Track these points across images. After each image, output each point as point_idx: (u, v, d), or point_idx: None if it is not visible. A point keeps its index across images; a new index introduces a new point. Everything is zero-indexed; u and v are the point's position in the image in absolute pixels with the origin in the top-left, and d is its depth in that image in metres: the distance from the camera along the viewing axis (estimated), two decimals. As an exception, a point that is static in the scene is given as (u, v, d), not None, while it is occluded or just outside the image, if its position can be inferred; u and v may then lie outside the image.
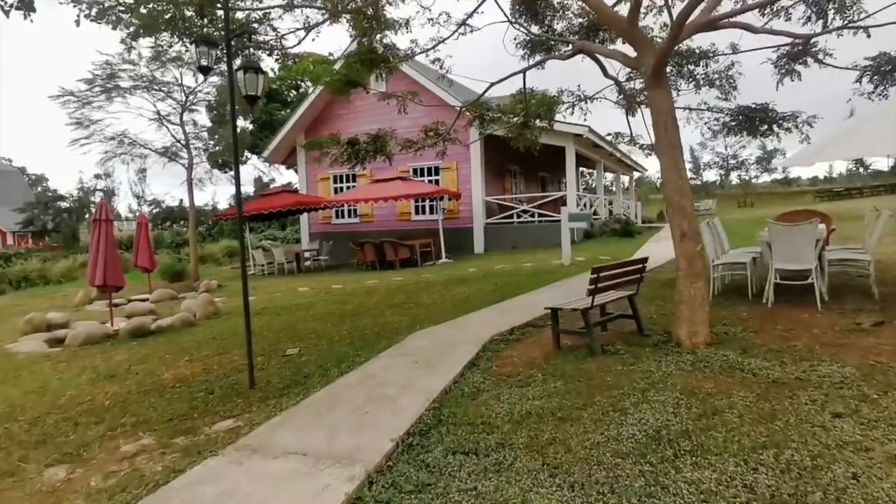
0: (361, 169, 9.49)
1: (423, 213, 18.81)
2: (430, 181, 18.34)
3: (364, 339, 6.24)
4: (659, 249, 12.74)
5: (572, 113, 8.87)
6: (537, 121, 9.01)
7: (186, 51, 13.22)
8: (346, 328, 7.01)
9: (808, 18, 6.80)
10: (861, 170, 69.00)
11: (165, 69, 14.65)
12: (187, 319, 8.13)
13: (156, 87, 15.15)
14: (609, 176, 27.85)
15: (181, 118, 15.62)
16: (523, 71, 7.62)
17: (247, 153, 37.78)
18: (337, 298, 9.69)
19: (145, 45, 12.83)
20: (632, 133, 8.76)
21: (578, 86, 8.60)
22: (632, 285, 5.54)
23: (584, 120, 8.52)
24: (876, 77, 7.56)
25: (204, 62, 4.68)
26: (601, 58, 6.45)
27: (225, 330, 7.66)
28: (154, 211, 54.57)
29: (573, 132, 15.86)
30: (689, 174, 66.13)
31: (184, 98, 15.46)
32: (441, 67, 8.13)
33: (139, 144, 16.23)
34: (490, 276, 10.91)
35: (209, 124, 20.91)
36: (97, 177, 52.99)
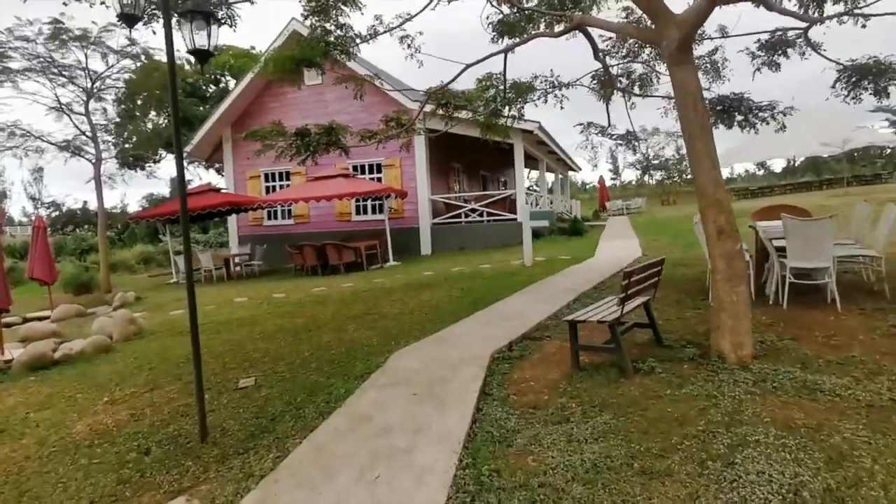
0: (312, 163, 8.34)
1: (365, 213, 17.69)
2: (371, 179, 17.25)
3: (333, 363, 5.20)
4: (618, 248, 12.40)
5: (545, 101, 8.18)
6: (507, 109, 8.24)
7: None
8: (306, 348, 5.92)
9: (806, 7, 6.47)
10: (760, 171, 74.57)
11: (67, 50, 12.66)
12: (102, 343, 6.68)
13: (56, 71, 13.09)
14: (548, 175, 27.88)
15: (86, 107, 13.61)
16: (505, 50, 6.83)
17: (161, 151, 34.87)
18: (284, 310, 8.49)
19: (43, 17, 10.94)
20: (609, 121, 8.19)
21: (551, 70, 7.91)
22: (648, 290, 4.87)
23: (562, 108, 7.87)
24: (852, 80, 7.42)
25: (127, 9, 3.49)
26: (598, 36, 5.77)
27: (153, 355, 6.32)
28: (54, 214, 49.42)
29: (523, 129, 15.33)
30: (609, 175, 68.83)
31: (89, 84, 13.47)
32: (409, 46, 7.16)
33: (34, 136, 14.00)
34: (451, 280, 10.06)
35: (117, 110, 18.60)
36: (-18, 177, 47.32)
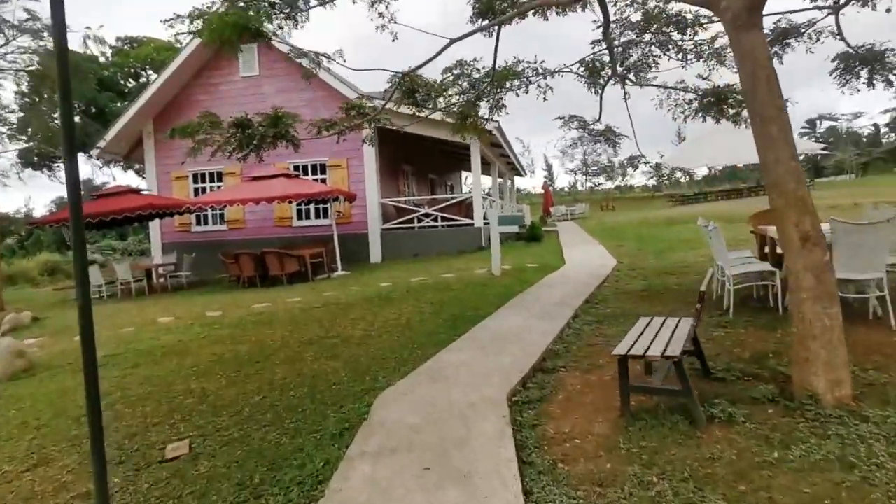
0: (257, 159, 7.01)
1: (308, 217, 16.22)
2: (315, 181, 15.81)
3: (296, 412, 3.96)
4: (587, 255, 11.70)
5: (527, 91, 7.23)
6: (484, 101, 7.24)
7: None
8: (255, 388, 4.63)
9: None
10: (685, 178, 78.10)
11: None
12: (-25, 387, 5.07)
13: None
14: (488, 180, 27.20)
15: (-28, 90, 11.41)
16: (499, 23, 5.80)
17: (93, 154, 31.90)
18: (221, 334, 7.06)
19: None
20: (600, 114, 7.37)
21: (535, 56, 6.98)
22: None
23: (544, 100, 6.96)
24: (846, 67, 6.98)
25: None
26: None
27: (44, 404, 4.80)
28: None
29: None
30: (546, 180, 69.67)
31: (-24, 63, 11.33)
32: (381, 16, 6.01)
33: None
34: (414, 292, 8.93)
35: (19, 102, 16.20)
36: None
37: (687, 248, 11.36)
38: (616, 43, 6.63)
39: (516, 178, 34.38)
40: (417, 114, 7.41)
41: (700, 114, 7.22)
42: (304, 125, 7.31)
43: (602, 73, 7.18)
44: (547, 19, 6.71)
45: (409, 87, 7.03)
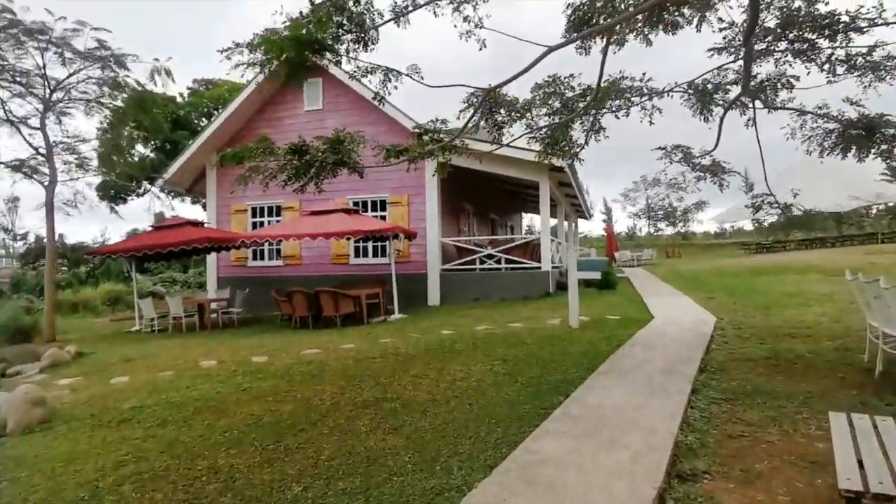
0: (316, 190, 6.27)
1: (366, 255, 15.53)
2: (376, 217, 15.17)
3: (346, 520, 2.92)
4: (676, 308, 10.27)
5: (627, 114, 6.19)
6: (575, 124, 6.24)
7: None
8: (296, 472, 3.63)
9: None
10: (752, 226, 73.80)
11: (23, 49, 10.62)
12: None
13: (9, 77, 11.03)
14: (554, 222, 25.99)
15: (42, 121, 11.50)
16: (609, 26, 4.86)
17: (145, 184, 33.06)
18: (264, 387, 6.17)
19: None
20: (718, 140, 6.22)
21: (643, 74, 5.95)
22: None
23: (651, 123, 5.91)
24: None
25: None
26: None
27: (42, 476, 3.96)
28: (26, 246, 46.76)
29: (552, 165, 13.42)
30: (601, 225, 67.25)
31: (47, 93, 11.40)
32: (466, 20, 5.20)
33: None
34: (482, 344, 7.83)
35: (89, 129, 16.51)
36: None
37: (796, 303, 9.77)
38: (741, 54, 5.52)
39: (580, 221, 33.02)
40: (497, 138, 6.46)
41: (839, 148, 5.94)
42: (368, 151, 6.54)
43: (717, 95, 6.06)
44: (650, 44, 5.72)
45: (490, 106, 6.14)
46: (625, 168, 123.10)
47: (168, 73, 12.47)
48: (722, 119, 6.11)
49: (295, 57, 5.34)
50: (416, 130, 6.41)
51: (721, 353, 6.27)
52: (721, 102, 6.24)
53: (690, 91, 6.23)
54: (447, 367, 6.53)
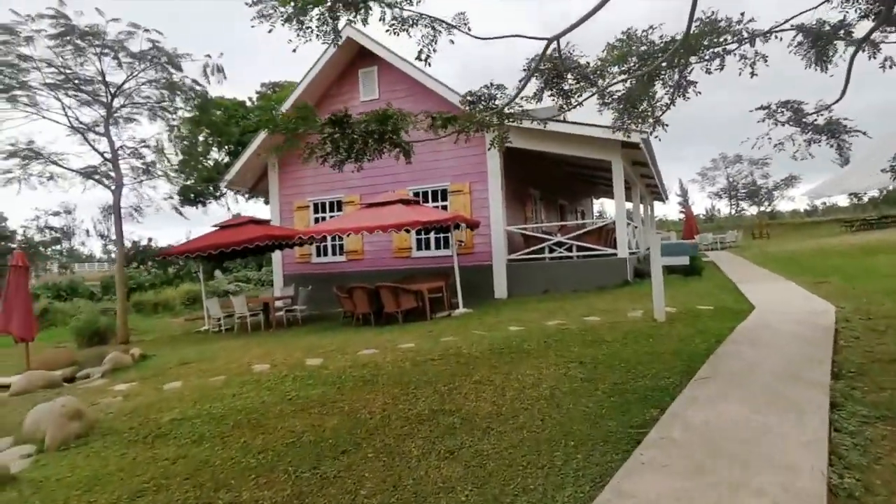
0: (356, 168, 5.63)
1: (427, 247, 14.91)
2: (436, 207, 14.50)
3: None
4: (778, 295, 8.89)
5: (721, 67, 5.09)
6: (657, 82, 5.21)
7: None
8: (329, 513, 2.97)
9: None
10: (850, 200, 66.77)
11: (84, 57, 10.70)
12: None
13: (75, 84, 11.18)
14: (629, 205, 24.23)
15: (106, 125, 11.62)
16: None
17: (223, 187, 34.24)
18: (312, 396, 5.61)
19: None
20: (845, 89, 5.01)
21: (741, 15, 4.83)
22: None
23: (751, 75, 4.81)
24: None
25: None
26: None
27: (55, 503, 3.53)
28: (131, 252, 49.99)
29: (625, 141, 12.20)
30: (678, 206, 63.15)
31: (109, 98, 11.50)
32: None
33: (48, 160, 12.06)
34: (554, 342, 6.95)
35: (156, 134, 16.82)
36: (55, 213, 48.44)
37: None
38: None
39: (655, 205, 30.94)
40: (564, 107, 5.55)
41: None
42: (421, 134, 5.83)
43: (840, 32, 4.84)
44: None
45: (554, 71, 5.23)
46: (692, 149, 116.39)
47: (220, 69, 12.32)
48: (851, 61, 4.87)
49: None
50: (469, 98, 5.58)
51: (856, 352, 5.06)
52: (844, 41, 4.99)
53: (804, 31, 5.03)
54: (515, 370, 5.72)
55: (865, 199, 63.49)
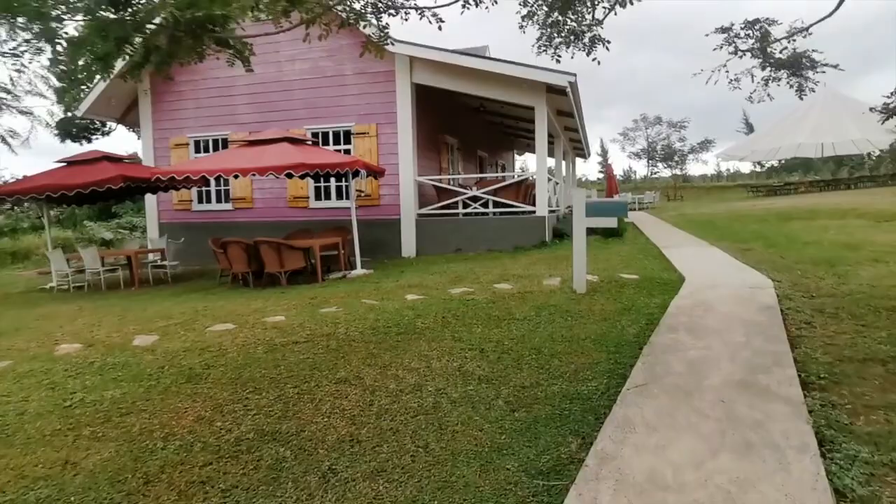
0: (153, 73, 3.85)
1: (328, 197, 13.11)
2: (338, 151, 12.66)
3: None
4: (707, 262, 8.05)
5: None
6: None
7: None
8: None
9: None
10: (756, 167, 70.48)
11: None
12: None
13: None
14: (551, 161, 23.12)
15: None
16: None
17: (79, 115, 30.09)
18: (103, 400, 3.94)
19: None
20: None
21: None
22: None
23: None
24: None
25: None
26: None
27: None
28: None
29: (550, 82, 10.87)
30: (597, 168, 64.01)
31: None
32: None
33: None
34: (454, 317, 5.64)
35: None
36: None
37: (866, 259, 7.57)
38: None
39: (577, 163, 30.38)
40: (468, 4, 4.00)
41: None
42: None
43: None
44: None
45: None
46: (613, 111, 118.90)
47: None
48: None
49: None
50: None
51: (816, 345, 4.07)
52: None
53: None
54: (397, 361, 4.33)
55: (767, 166, 67.21)
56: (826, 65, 4.61)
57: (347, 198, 12.64)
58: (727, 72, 4.59)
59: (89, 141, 43.86)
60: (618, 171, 66.70)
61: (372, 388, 3.81)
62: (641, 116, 52.42)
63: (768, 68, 4.60)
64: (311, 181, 12.83)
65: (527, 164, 44.45)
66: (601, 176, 54.37)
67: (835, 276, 6.58)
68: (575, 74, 10.56)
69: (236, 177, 8.79)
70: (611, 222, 6.89)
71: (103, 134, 37.40)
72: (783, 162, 59.96)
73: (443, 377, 3.95)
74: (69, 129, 42.50)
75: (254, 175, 8.79)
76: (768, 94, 4.79)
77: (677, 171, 60.60)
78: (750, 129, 59.79)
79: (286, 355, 4.72)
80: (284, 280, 9.22)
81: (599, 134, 77.38)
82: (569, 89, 10.80)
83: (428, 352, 4.56)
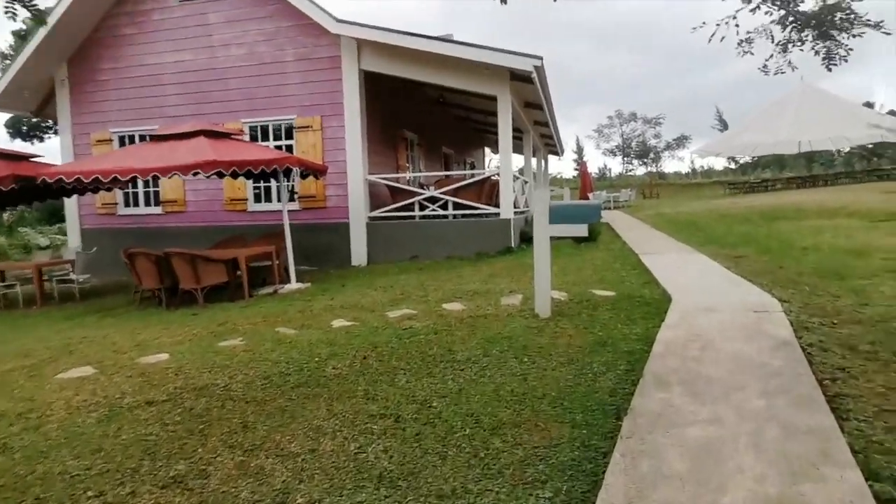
0: None
1: (269, 199, 11.66)
2: (279, 148, 11.24)
3: None
4: (693, 278, 6.83)
5: None
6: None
7: None
8: None
9: None
10: (731, 164, 70.50)
11: None
12: None
13: None
14: (520, 157, 21.81)
15: None
16: None
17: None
18: None
19: None
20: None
21: None
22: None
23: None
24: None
25: None
26: None
27: None
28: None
29: (513, 67, 9.59)
30: (572, 164, 63.19)
31: None
32: None
33: None
34: (376, 359, 4.33)
35: None
36: None
37: (881, 269, 6.42)
38: None
39: (551, 160, 29.24)
40: None
41: None
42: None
43: None
44: None
45: None
46: (587, 109, 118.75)
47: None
48: None
49: None
50: None
51: (869, 412, 2.83)
52: None
53: None
54: (272, 440, 3.00)
55: (741, 162, 67.25)
56: (868, 23, 3.41)
57: (292, 200, 11.25)
58: (737, 25, 3.37)
59: (41, 140, 41.33)
60: (593, 169, 66.10)
61: (211, 501, 2.47)
62: (616, 113, 51.69)
63: (790, 25, 3.38)
64: (250, 182, 11.38)
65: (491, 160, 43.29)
66: (577, 173, 53.57)
67: (851, 293, 5.41)
68: (541, 58, 9.30)
69: (183, 180, 7.30)
70: (580, 230, 5.62)
71: (56, 132, 35.23)
72: (755, 159, 60.03)
73: (326, 475, 2.62)
74: (19, 128, 40.00)
75: (156, 176, 7.30)
76: (789, 63, 3.59)
77: (653, 169, 60.12)
78: (724, 125, 59.57)
79: (122, 427, 3.34)
80: (201, 298, 7.77)
81: (574, 132, 76.34)
82: (534, 75, 9.53)
83: (323, 421, 3.23)
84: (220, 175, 7.91)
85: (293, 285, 8.46)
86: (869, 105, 46.54)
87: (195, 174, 7.51)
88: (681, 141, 45.44)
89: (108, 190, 10.67)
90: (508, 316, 5.40)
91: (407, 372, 3.99)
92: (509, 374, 3.80)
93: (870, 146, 46.30)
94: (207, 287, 7.87)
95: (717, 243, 9.51)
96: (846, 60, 3.55)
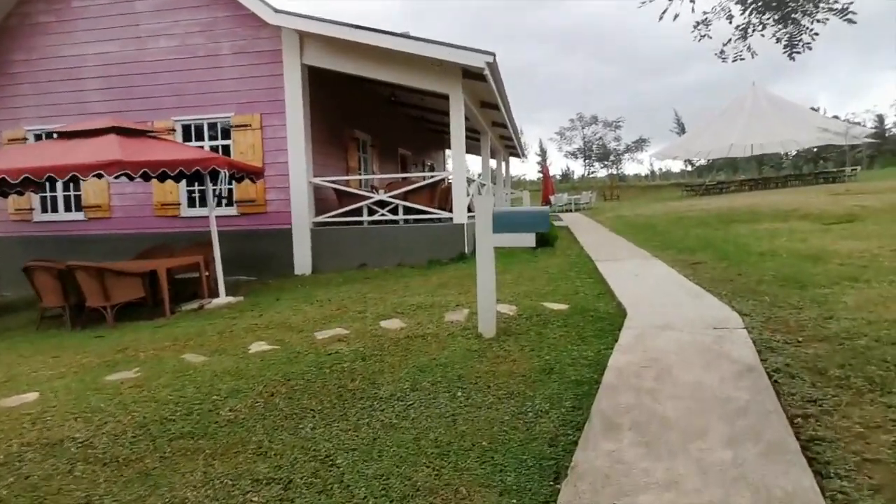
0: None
1: (204, 204, 10.77)
2: (215, 148, 10.41)
3: None
4: (648, 288, 6.36)
5: None
6: None
7: None
8: None
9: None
10: (686, 166, 72.10)
11: None
12: None
13: None
14: (477, 158, 21.26)
15: None
16: None
17: None
18: None
19: None
20: None
21: None
22: None
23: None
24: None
25: None
26: None
27: None
28: None
29: (465, 63, 9.04)
30: (536, 167, 63.43)
31: None
32: None
33: None
34: (286, 396, 3.67)
35: None
36: None
37: (839, 276, 6.09)
38: None
39: (514, 163, 28.92)
40: None
41: None
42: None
43: None
44: None
45: None
46: (548, 113, 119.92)
47: None
48: None
49: None
50: None
51: (850, 463, 2.35)
52: None
53: None
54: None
55: (697, 164, 68.80)
56: (834, 7, 2.96)
57: (230, 204, 10.43)
58: (692, 1, 2.89)
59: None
60: (556, 172, 66.44)
61: None
62: (578, 116, 52.01)
63: (751, 6, 2.91)
64: (183, 185, 10.51)
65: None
66: (540, 176, 53.69)
67: (814, 303, 5.02)
68: (493, 54, 8.77)
69: (108, 183, 6.40)
70: (527, 239, 5.08)
71: None
72: (710, 161, 61.45)
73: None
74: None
75: (59, 176, 6.42)
76: (749, 48, 3.13)
77: (613, 171, 60.70)
78: (682, 129, 60.81)
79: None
80: (111, 317, 6.92)
81: (538, 134, 77.14)
82: (487, 72, 8.99)
83: (193, 490, 2.56)
84: (129, 177, 7.06)
85: (222, 299, 7.69)
86: (814, 110, 48.18)
87: (98, 175, 6.64)
88: (640, 144, 46.05)
89: (20, 193, 9.63)
90: (449, 336, 4.80)
91: (317, 415, 3.34)
92: (436, 416, 3.20)
93: (815, 149, 47.84)
94: (119, 304, 7.01)
95: (675, 248, 9.17)
96: (810, 48, 3.11)
